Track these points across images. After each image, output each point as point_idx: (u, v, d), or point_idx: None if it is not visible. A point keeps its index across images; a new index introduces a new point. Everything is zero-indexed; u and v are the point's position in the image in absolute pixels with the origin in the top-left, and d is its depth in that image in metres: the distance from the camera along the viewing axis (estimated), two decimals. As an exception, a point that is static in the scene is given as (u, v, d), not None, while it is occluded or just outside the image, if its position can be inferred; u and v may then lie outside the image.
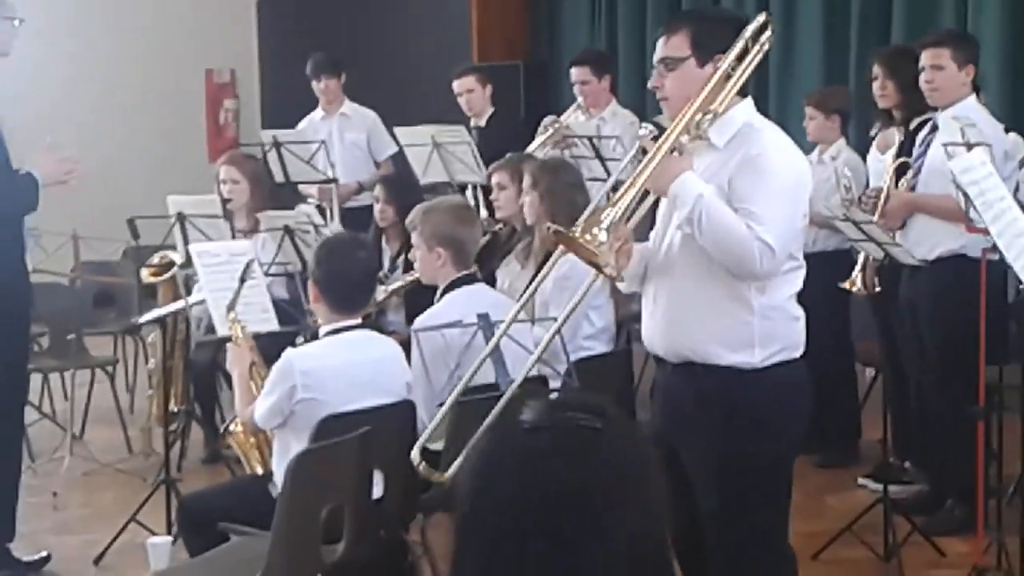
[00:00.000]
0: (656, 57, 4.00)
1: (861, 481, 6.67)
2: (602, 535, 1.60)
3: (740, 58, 3.90)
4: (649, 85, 4.07)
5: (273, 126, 9.16)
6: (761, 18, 3.97)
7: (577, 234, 3.67)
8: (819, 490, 6.51)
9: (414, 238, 5.45)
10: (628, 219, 3.82)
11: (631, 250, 3.91)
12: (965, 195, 4.87)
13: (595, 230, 3.66)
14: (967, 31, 8.20)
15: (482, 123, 8.57)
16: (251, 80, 13.12)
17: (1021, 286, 4.41)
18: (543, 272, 4.49)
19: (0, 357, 5.59)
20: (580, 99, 8.38)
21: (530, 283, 5.83)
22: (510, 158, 6.59)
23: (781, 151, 3.92)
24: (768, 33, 3.95)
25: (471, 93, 8.58)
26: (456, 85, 8.64)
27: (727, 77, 3.87)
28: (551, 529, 1.61)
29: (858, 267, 6.26)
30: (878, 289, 6.25)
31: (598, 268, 3.74)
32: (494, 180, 6.49)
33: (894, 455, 6.48)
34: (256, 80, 13.12)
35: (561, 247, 3.91)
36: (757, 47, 3.93)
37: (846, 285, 6.20)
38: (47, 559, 5.92)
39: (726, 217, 3.75)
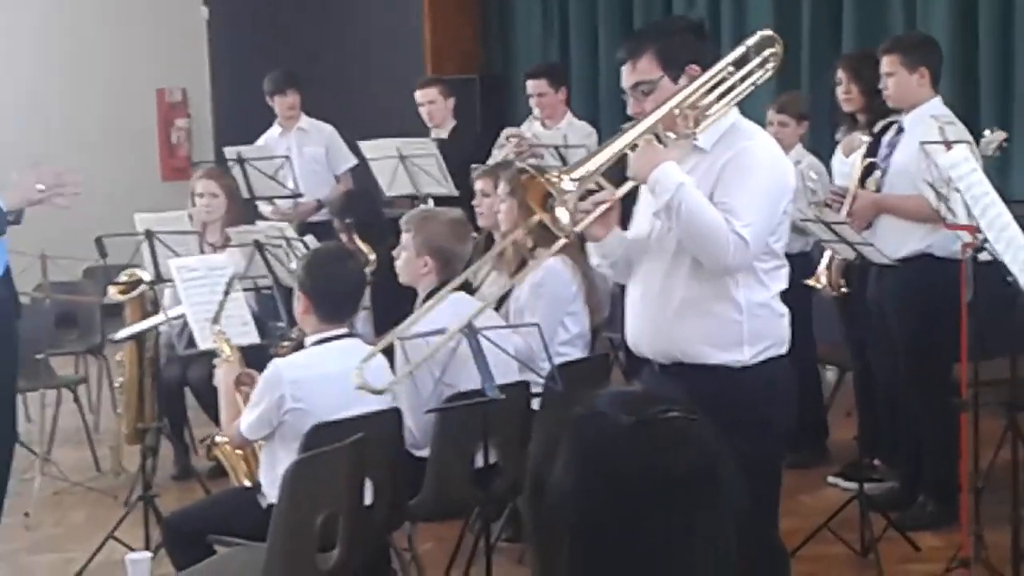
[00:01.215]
0: (627, 84, 4.00)
1: (831, 480, 6.75)
2: (718, 507, 1.76)
3: (737, 65, 3.94)
4: (630, 112, 4.04)
5: (226, 144, 9.15)
6: (766, 32, 4.02)
7: (545, 175, 3.69)
8: (792, 490, 6.56)
9: (405, 238, 5.47)
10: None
11: (611, 222, 3.92)
12: (937, 193, 4.96)
13: (564, 176, 3.68)
14: (919, 32, 8.33)
15: (444, 135, 8.61)
16: (203, 99, 13.09)
17: (1009, 278, 4.49)
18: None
19: None
20: (536, 111, 8.42)
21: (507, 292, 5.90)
22: (494, 166, 6.63)
23: (766, 151, 3.98)
24: (773, 50, 3.99)
25: (432, 104, 8.65)
26: (419, 95, 8.70)
27: (719, 84, 3.90)
28: (676, 509, 1.72)
29: (823, 264, 6.35)
30: (844, 289, 6.35)
31: (550, 217, 3.69)
32: (477, 187, 6.53)
33: (861, 453, 6.56)
34: (208, 99, 13.08)
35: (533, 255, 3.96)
36: (759, 60, 3.97)
37: (811, 281, 6.28)
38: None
39: (704, 208, 3.78)
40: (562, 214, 3.69)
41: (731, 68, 3.94)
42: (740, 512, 1.78)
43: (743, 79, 3.95)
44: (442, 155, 8.02)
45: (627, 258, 4.05)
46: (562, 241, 3.83)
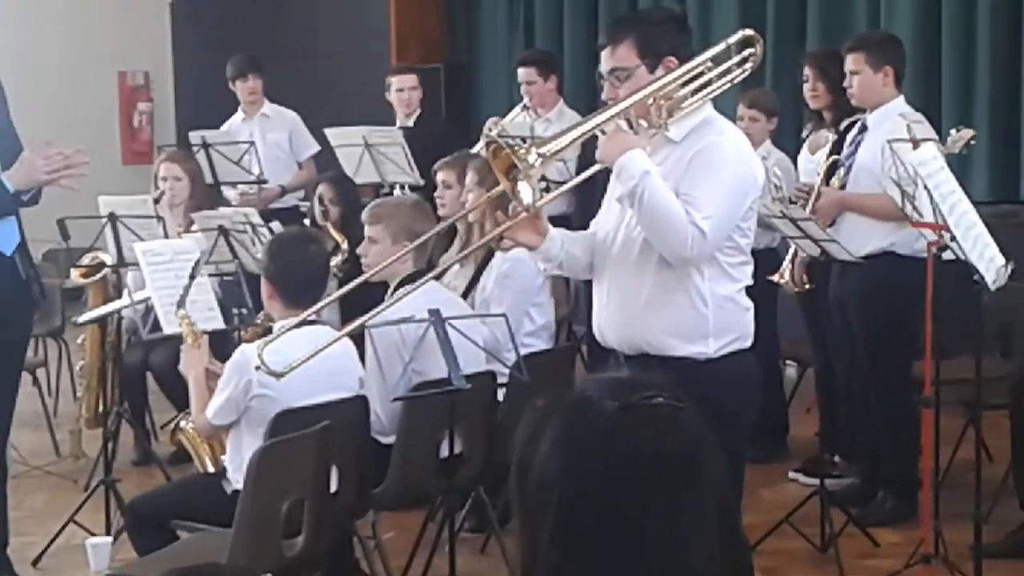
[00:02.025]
0: (605, 68, 4.03)
1: (792, 475, 6.79)
2: (702, 493, 1.78)
3: (716, 61, 3.97)
4: (604, 97, 4.07)
5: (188, 128, 9.12)
6: (748, 32, 4.05)
7: (512, 146, 3.70)
8: (753, 484, 6.59)
9: (375, 231, 5.46)
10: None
11: (540, 229, 3.93)
12: (903, 191, 5.00)
13: (531, 149, 3.70)
14: (883, 31, 8.38)
15: (409, 123, 8.61)
16: (165, 82, 13.03)
17: (975, 276, 4.53)
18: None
19: None
20: (526, 99, 8.43)
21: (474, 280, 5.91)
22: (457, 156, 6.61)
23: (734, 146, 4.00)
24: (753, 50, 4.02)
25: (414, 91, 8.69)
26: (397, 81, 8.73)
27: (696, 78, 3.93)
28: (660, 494, 1.75)
29: (787, 260, 6.39)
30: (808, 286, 6.39)
31: (512, 187, 3.71)
32: (439, 178, 6.51)
33: (822, 449, 6.60)
34: (171, 82, 13.03)
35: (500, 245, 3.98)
36: (738, 59, 4.00)
37: (775, 278, 6.32)
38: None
39: (665, 198, 3.80)
40: (524, 189, 3.71)
41: (709, 63, 3.96)
42: (723, 500, 1.80)
43: (720, 76, 3.97)
44: (408, 143, 8.02)
45: (573, 258, 4.05)
46: (523, 215, 3.82)
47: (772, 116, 7.12)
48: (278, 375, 4.10)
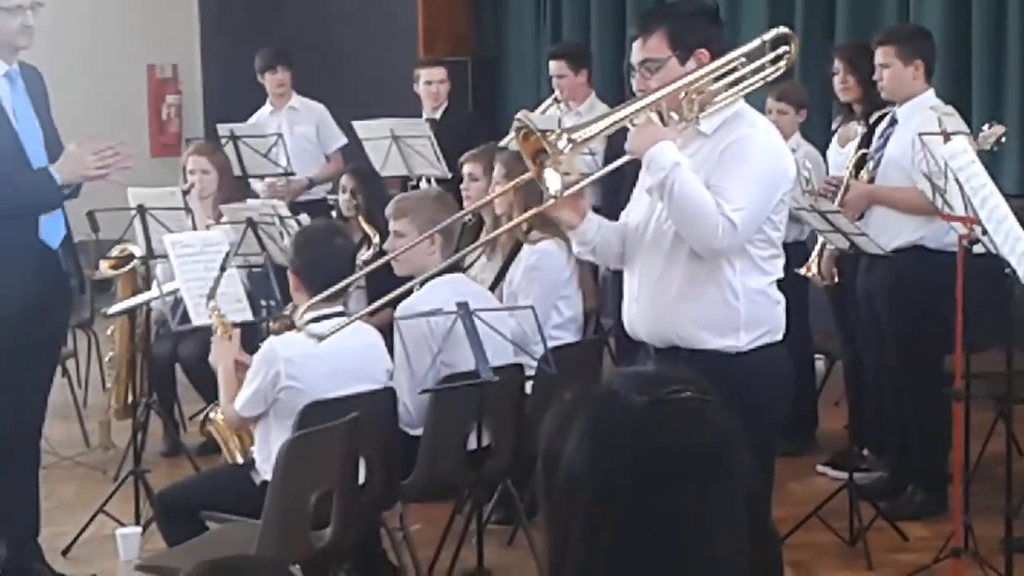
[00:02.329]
0: (635, 59, 4.02)
1: (820, 468, 6.77)
2: (729, 487, 1.78)
3: (750, 57, 3.95)
4: (635, 88, 4.04)
5: (216, 121, 9.12)
6: (783, 30, 4.03)
7: (543, 130, 3.69)
8: (781, 478, 6.57)
9: (401, 225, 5.46)
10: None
11: (582, 209, 3.92)
12: (933, 184, 4.98)
13: (562, 135, 3.68)
14: (913, 24, 8.34)
15: (436, 116, 8.61)
16: (193, 75, 13.04)
17: (1007, 270, 4.50)
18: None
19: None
20: (557, 92, 8.42)
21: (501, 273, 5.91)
22: (484, 149, 6.60)
23: (767, 139, 3.99)
24: (787, 48, 4.00)
25: (442, 84, 8.68)
26: (425, 73, 8.71)
27: (729, 73, 3.91)
28: (687, 489, 1.75)
29: (815, 253, 6.37)
30: (836, 280, 6.37)
31: (539, 173, 3.69)
32: (465, 170, 6.50)
33: (851, 442, 6.58)
34: (199, 75, 13.04)
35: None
36: (772, 56, 3.98)
37: (802, 271, 6.31)
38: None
39: (695, 190, 3.79)
40: (551, 176, 3.69)
41: (743, 59, 3.94)
42: (751, 493, 1.80)
43: (754, 72, 3.96)
44: (435, 135, 8.01)
45: (607, 244, 4.04)
46: (551, 201, 3.80)
47: (801, 108, 7.09)
48: (321, 337, 4.09)
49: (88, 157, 5.07)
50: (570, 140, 3.68)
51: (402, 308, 5.15)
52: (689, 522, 1.74)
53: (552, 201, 3.76)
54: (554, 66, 8.40)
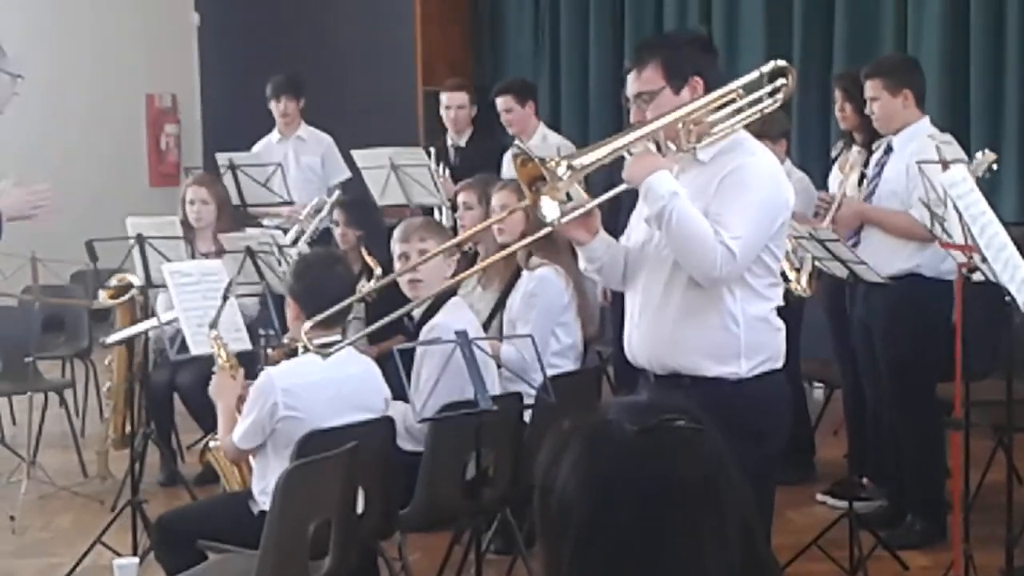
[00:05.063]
0: (631, 92, 4.03)
1: (820, 497, 6.76)
2: (723, 516, 1.77)
3: (747, 89, 3.95)
4: (632, 120, 4.06)
5: (215, 151, 9.10)
6: (780, 63, 4.04)
7: (542, 158, 3.68)
8: (780, 506, 6.55)
9: (468, 196, 5.46)
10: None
11: (593, 226, 3.92)
12: (932, 212, 4.98)
13: (561, 162, 3.69)
14: (906, 53, 8.36)
15: (461, 143, 8.57)
16: (192, 105, 13.08)
17: (1007, 298, 4.50)
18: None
19: None
20: (508, 128, 8.36)
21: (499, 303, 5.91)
22: (478, 178, 6.61)
23: (765, 167, 3.99)
24: (785, 81, 4.00)
25: (461, 110, 8.59)
26: (447, 98, 8.63)
27: (727, 105, 3.92)
28: (679, 518, 1.74)
29: (804, 270, 6.34)
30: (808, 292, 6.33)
31: (535, 200, 3.70)
32: (460, 199, 6.51)
33: (851, 471, 6.57)
34: (197, 105, 13.07)
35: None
36: (769, 88, 3.99)
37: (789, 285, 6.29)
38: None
39: (693, 219, 3.79)
40: (548, 204, 3.70)
41: (740, 91, 3.94)
42: (746, 522, 1.79)
43: (751, 104, 3.96)
44: (459, 162, 7.98)
45: (614, 263, 4.05)
46: (547, 229, 3.81)
47: (780, 139, 7.07)
48: (325, 354, 4.08)
49: (27, 196, 5.24)
50: (569, 167, 3.68)
51: (428, 330, 5.16)
52: (680, 551, 1.74)
53: (549, 229, 3.77)
54: (501, 102, 8.26)
